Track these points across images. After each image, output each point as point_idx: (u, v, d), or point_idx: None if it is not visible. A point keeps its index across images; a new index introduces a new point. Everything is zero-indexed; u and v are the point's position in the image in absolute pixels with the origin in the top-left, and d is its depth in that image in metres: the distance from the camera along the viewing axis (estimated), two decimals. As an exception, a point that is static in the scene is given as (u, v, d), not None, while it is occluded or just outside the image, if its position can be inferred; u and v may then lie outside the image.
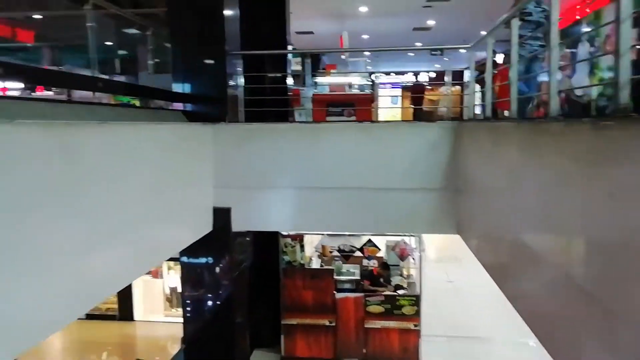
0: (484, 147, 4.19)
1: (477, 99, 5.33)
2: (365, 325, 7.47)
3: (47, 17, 8.29)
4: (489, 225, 3.95)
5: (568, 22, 4.69)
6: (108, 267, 3.40)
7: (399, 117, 12.20)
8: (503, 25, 3.68)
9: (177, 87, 5.74)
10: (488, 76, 4.29)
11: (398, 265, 8.34)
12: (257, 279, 7.87)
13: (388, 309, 7.41)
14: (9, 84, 6.38)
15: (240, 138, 5.63)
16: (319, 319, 7.53)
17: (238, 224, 5.73)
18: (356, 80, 12.67)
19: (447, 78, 6.81)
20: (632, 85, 1.85)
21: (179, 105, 5.89)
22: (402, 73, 20.73)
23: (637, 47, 2.36)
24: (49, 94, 7.76)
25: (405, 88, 14.96)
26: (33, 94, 6.90)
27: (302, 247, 7.74)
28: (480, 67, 6.27)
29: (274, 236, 7.62)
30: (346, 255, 7.77)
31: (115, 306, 11.06)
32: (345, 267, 8.30)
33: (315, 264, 8.40)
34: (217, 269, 5.83)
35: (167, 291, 11.08)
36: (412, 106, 13.73)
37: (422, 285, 7.61)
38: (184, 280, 5.98)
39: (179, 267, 7.21)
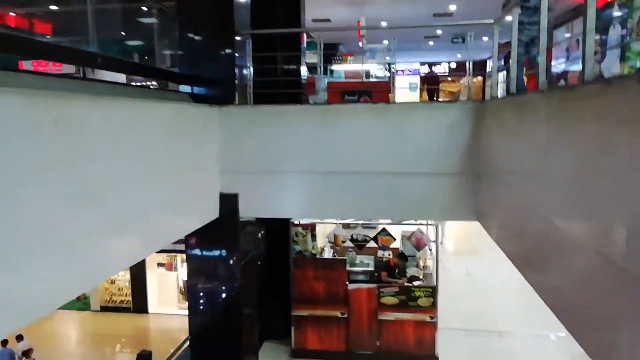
0: (508, 126, 3.86)
1: (502, 80, 5.00)
2: (379, 317, 7.20)
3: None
4: (513, 209, 3.63)
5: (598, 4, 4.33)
6: (103, 250, 3.20)
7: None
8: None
9: (184, 69, 5.53)
10: (514, 50, 3.95)
11: (414, 256, 8.04)
12: (267, 269, 7.67)
13: (403, 300, 7.12)
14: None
15: (249, 121, 5.41)
16: (331, 311, 7.28)
17: (246, 210, 5.53)
18: (373, 68, 12.31)
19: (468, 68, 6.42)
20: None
21: (186, 88, 5.68)
22: (423, 64, 20.27)
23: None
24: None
25: (422, 78, 14.56)
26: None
27: (313, 236, 7.49)
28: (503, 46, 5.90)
29: (285, 225, 7.39)
30: (359, 245, 7.48)
31: (130, 298, 11.06)
32: (359, 258, 8.04)
33: (327, 254, 8.16)
34: (225, 259, 5.62)
35: (181, 284, 11.01)
36: (428, 97, 13.37)
37: (440, 278, 7.30)
38: (190, 270, 5.78)
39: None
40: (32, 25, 8.85)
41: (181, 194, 4.46)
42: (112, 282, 11.09)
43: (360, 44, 14.40)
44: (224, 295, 5.66)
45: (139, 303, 10.91)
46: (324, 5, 12.79)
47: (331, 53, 14.61)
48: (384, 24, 14.82)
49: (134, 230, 3.57)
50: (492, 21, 4.97)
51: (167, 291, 11.12)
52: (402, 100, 12.25)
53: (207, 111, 5.17)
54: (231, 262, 5.61)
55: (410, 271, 7.65)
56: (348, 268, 7.56)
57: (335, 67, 11.48)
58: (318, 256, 7.68)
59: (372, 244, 7.54)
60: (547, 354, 7.51)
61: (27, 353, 8.05)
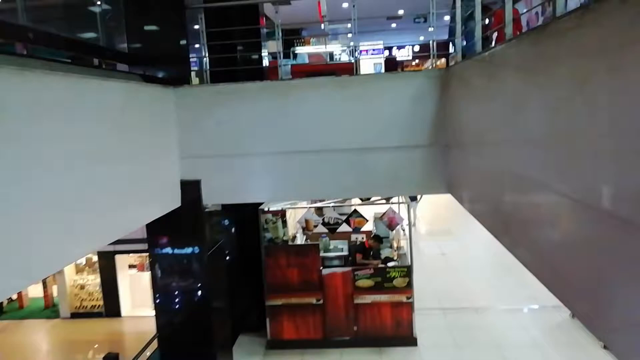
0: (475, 88, 3.70)
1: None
2: (355, 301, 7.03)
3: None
4: (485, 175, 3.48)
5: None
6: (42, 245, 2.86)
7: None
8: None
9: (133, 47, 5.14)
10: (477, 8, 3.78)
11: (388, 237, 7.90)
12: (237, 259, 7.39)
13: (378, 282, 6.96)
14: None
15: (207, 102, 5.10)
16: (305, 298, 7.07)
17: (210, 197, 5.25)
18: (337, 49, 12.08)
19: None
20: None
21: (137, 70, 5.30)
22: (386, 48, 20.13)
23: None
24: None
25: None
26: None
27: (284, 222, 7.24)
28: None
29: (254, 213, 7.12)
30: (332, 229, 7.28)
31: (101, 303, 10.59)
32: (333, 243, 7.85)
33: (300, 240, 7.94)
34: (191, 252, 5.31)
35: (155, 284, 10.60)
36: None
37: (414, 259, 7.18)
38: (154, 266, 5.44)
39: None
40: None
41: (136, 181, 4.12)
42: (82, 287, 10.58)
43: (322, 26, 14.13)
44: (191, 290, 5.37)
45: (111, 307, 10.45)
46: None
47: (294, 38, 14.32)
48: (345, 5, 14.58)
49: (77, 221, 3.22)
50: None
51: (140, 293, 10.69)
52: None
53: (161, 92, 4.83)
54: (198, 254, 5.31)
55: (385, 252, 7.51)
56: (323, 254, 7.35)
57: (298, 49, 11.20)
58: (290, 243, 7.45)
59: (345, 227, 7.35)
60: (521, 326, 7.55)
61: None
